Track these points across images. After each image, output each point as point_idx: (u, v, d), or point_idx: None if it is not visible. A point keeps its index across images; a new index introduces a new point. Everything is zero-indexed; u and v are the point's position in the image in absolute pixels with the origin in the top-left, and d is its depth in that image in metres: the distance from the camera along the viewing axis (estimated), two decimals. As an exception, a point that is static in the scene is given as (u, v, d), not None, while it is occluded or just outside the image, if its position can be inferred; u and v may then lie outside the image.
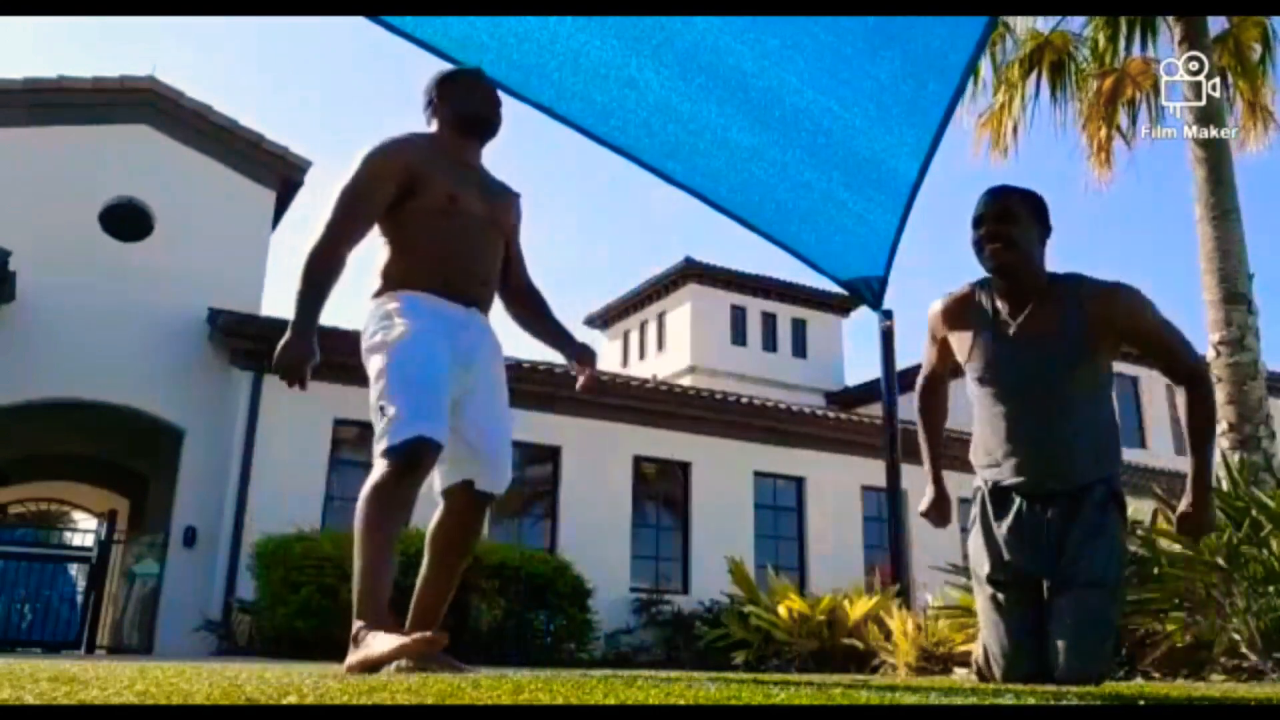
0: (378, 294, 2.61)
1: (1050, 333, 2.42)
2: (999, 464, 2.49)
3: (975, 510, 2.60)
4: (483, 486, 2.59)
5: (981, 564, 2.54)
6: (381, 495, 2.43)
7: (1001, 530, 2.49)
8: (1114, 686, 2.89)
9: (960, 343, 2.54)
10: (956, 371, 2.67)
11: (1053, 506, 2.45)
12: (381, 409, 2.43)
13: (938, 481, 2.72)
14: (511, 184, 2.84)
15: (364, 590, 2.35)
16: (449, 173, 2.59)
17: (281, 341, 2.53)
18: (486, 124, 2.72)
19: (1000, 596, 2.49)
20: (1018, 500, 2.48)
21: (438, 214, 2.54)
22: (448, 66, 2.97)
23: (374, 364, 2.53)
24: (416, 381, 2.40)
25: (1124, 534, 2.54)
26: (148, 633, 10.27)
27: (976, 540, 2.57)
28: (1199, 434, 2.54)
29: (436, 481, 2.60)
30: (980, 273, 2.57)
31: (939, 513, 2.71)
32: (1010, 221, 2.44)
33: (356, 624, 2.28)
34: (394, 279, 2.58)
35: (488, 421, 2.58)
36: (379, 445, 2.42)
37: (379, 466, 2.42)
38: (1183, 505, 2.53)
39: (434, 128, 2.74)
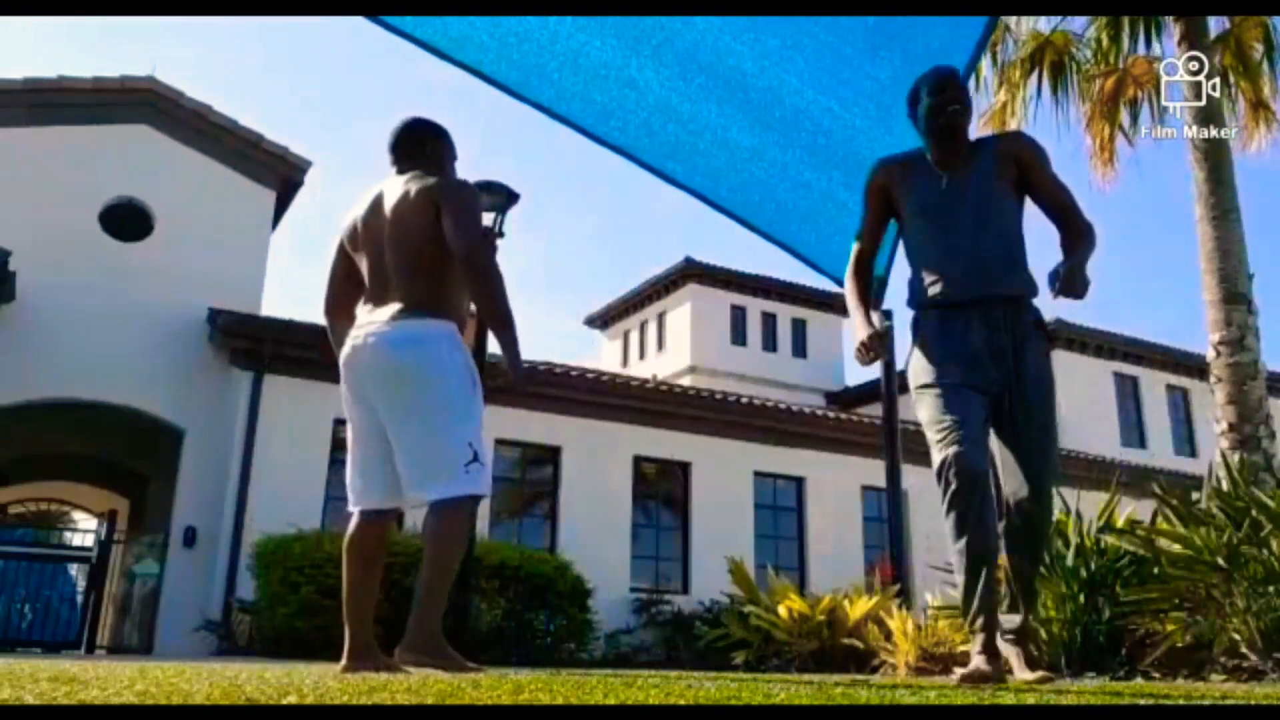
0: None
1: (971, 172, 2.87)
2: (939, 281, 2.82)
3: (919, 335, 2.87)
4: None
5: (925, 373, 2.80)
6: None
7: (945, 343, 2.78)
8: (1114, 686, 2.89)
9: (902, 189, 2.94)
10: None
11: (993, 313, 2.75)
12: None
13: (869, 321, 2.97)
14: (512, 185, 2.90)
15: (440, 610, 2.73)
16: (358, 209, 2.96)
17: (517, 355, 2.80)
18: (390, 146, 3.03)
19: (950, 393, 2.73)
20: (969, 313, 2.77)
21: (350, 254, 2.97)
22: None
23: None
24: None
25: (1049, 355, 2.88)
26: (148, 633, 10.27)
27: (919, 358, 2.83)
28: (1075, 247, 2.80)
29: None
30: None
31: (879, 343, 2.92)
32: (960, 90, 2.96)
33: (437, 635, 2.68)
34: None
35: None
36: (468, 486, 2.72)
37: (467, 507, 2.76)
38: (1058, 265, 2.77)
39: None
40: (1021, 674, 2.73)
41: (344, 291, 2.98)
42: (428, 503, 2.73)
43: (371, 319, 2.80)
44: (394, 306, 2.77)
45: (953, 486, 2.60)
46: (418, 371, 2.71)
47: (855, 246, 3.06)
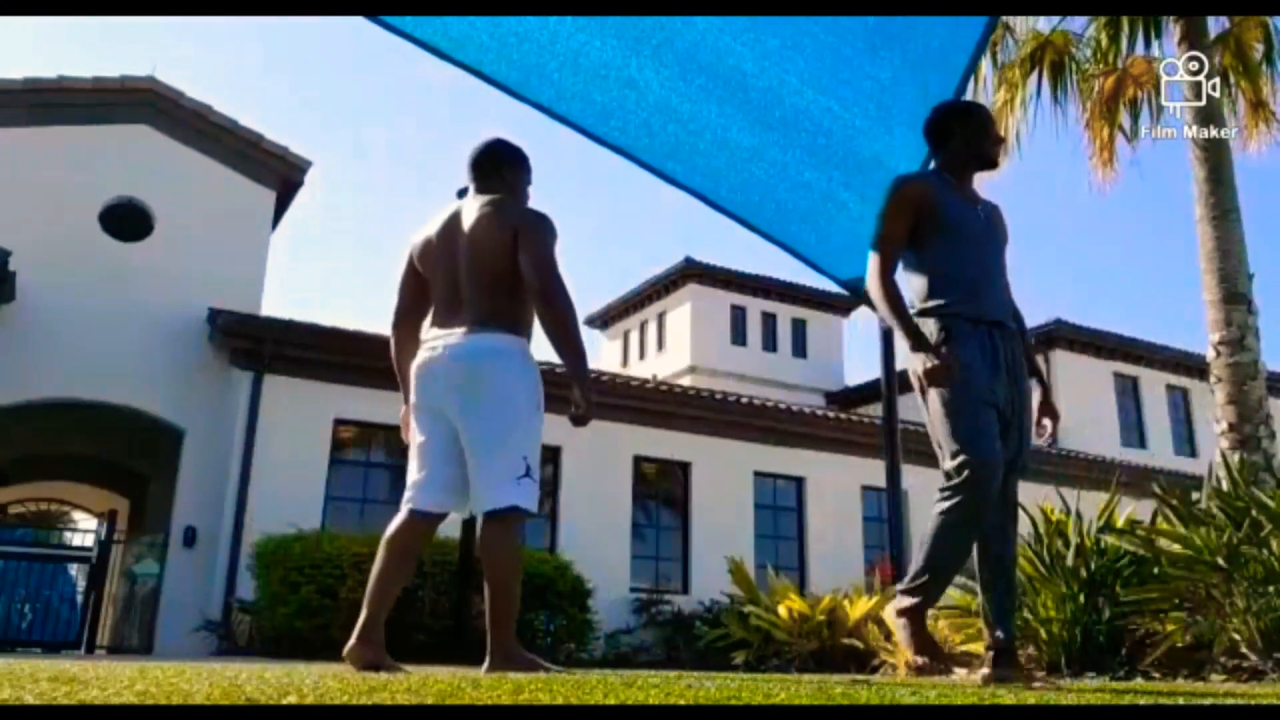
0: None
1: (983, 209, 3.08)
2: (976, 298, 2.91)
3: (952, 341, 2.84)
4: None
5: (965, 378, 2.77)
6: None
7: (982, 356, 2.85)
8: (1114, 686, 2.89)
9: (940, 206, 2.99)
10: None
11: (997, 331, 2.91)
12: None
13: (925, 339, 2.87)
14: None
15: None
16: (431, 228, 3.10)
17: (589, 388, 2.94)
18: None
19: (987, 408, 2.81)
20: (990, 330, 2.89)
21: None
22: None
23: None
24: None
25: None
26: (148, 633, 10.27)
27: (958, 361, 2.78)
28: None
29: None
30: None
31: (952, 363, 2.78)
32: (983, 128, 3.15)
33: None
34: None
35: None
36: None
37: (512, 519, 2.89)
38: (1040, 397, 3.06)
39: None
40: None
41: (413, 306, 3.10)
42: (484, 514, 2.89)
43: (447, 332, 2.93)
44: (470, 321, 2.89)
45: (977, 499, 2.71)
46: (490, 382, 2.84)
47: (881, 254, 3.00)
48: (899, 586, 2.92)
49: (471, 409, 2.82)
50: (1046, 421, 3.02)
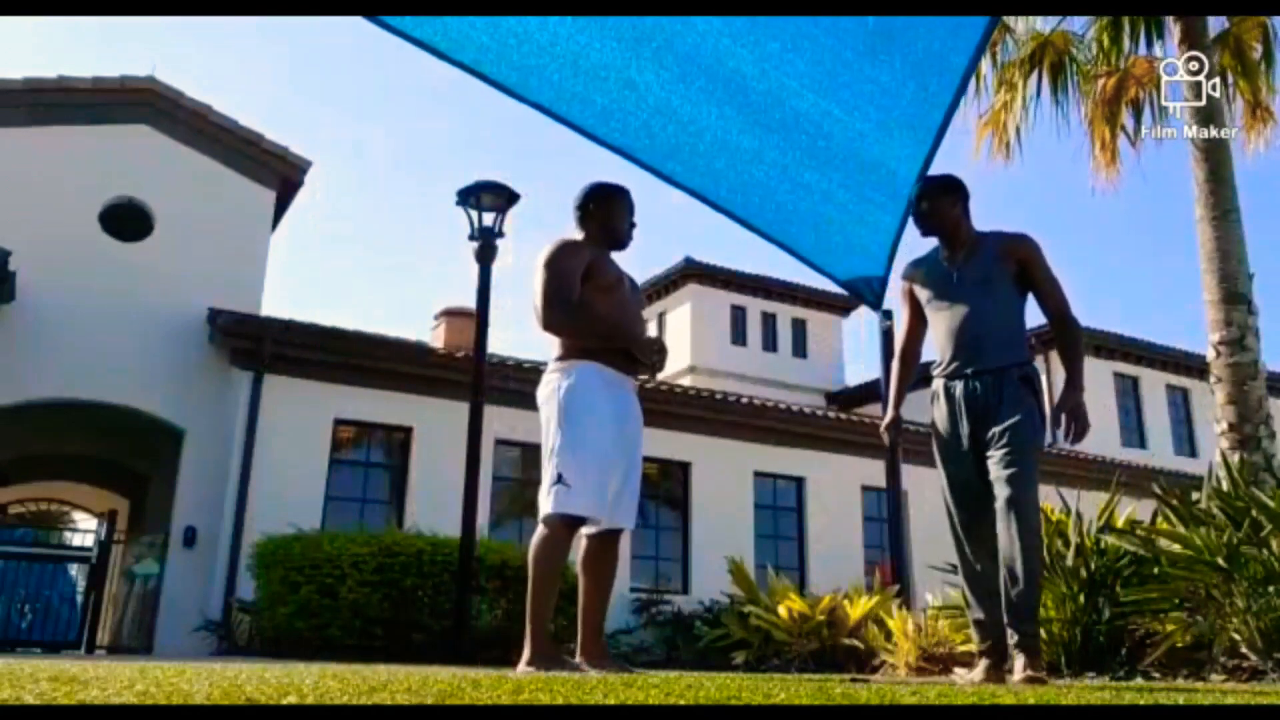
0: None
1: (971, 264, 3.39)
2: (945, 361, 3.36)
3: (932, 403, 3.39)
4: (610, 525, 3.26)
5: (937, 445, 3.36)
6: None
7: (943, 412, 3.33)
8: (1114, 686, 2.89)
9: (920, 288, 3.52)
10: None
11: (979, 381, 3.25)
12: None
13: (897, 407, 3.60)
14: (513, 186, 3.07)
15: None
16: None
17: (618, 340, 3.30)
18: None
19: (950, 451, 3.30)
20: (959, 383, 3.29)
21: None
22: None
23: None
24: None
25: (1037, 403, 3.26)
26: (148, 633, 10.26)
27: (934, 428, 3.36)
28: (1070, 358, 3.37)
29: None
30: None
31: (895, 429, 3.59)
32: (934, 195, 3.52)
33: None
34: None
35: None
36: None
37: (551, 524, 3.14)
38: (1059, 398, 3.25)
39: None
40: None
41: None
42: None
43: None
44: None
45: (960, 574, 3.30)
46: (541, 407, 3.26)
47: (902, 339, 3.63)
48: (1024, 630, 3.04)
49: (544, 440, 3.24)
50: (1063, 417, 3.19)
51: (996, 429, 3.14)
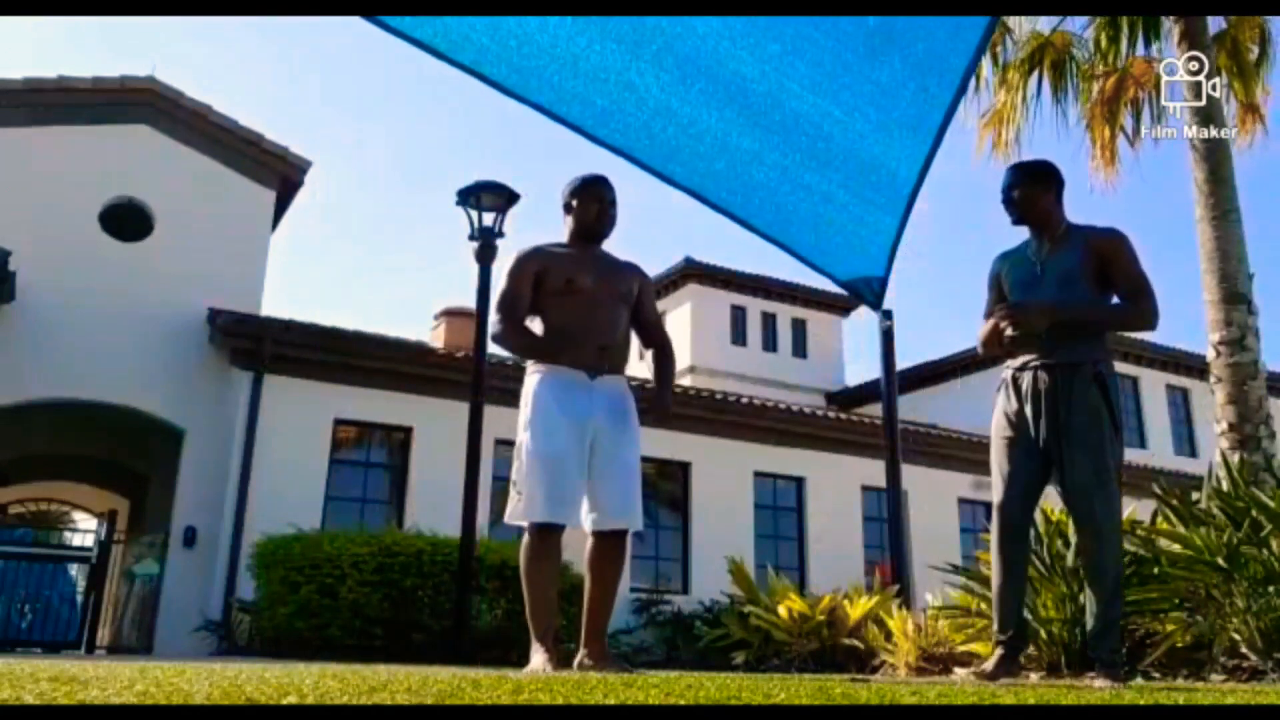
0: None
1: (1058, 257, 3.34)
2: (1018, 352, 3.33)
3: (999, 389, 3.38)
4: (600, 526, 3.23)
5: (996, 425, 3.35)
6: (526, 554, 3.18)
7: (1012, 404, 3.30)
8: (1115, 686, 2.89)
9: (1006, 277, 3.48)
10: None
11: (1049, 374, 3.21)
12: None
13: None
14: (512, 185, 3.05)
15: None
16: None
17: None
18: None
19: (1011, 448, 3.27)
20: (1026, 374, 3.27)
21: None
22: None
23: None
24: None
25: (1108, 406, 3.22)
26: (148, 633, 10.26)
27: (997, 410, 3.35)
28: (1108, 313, 3.38)
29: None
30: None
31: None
32: (1022, 181, 3.43)
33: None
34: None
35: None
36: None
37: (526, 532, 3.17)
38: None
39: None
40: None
41: None
42: None
43: None
44: None
45: (994, 534, 3.24)
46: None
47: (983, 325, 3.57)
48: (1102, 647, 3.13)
49: None
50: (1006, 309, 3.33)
51: (1068, 439, 3.13)
